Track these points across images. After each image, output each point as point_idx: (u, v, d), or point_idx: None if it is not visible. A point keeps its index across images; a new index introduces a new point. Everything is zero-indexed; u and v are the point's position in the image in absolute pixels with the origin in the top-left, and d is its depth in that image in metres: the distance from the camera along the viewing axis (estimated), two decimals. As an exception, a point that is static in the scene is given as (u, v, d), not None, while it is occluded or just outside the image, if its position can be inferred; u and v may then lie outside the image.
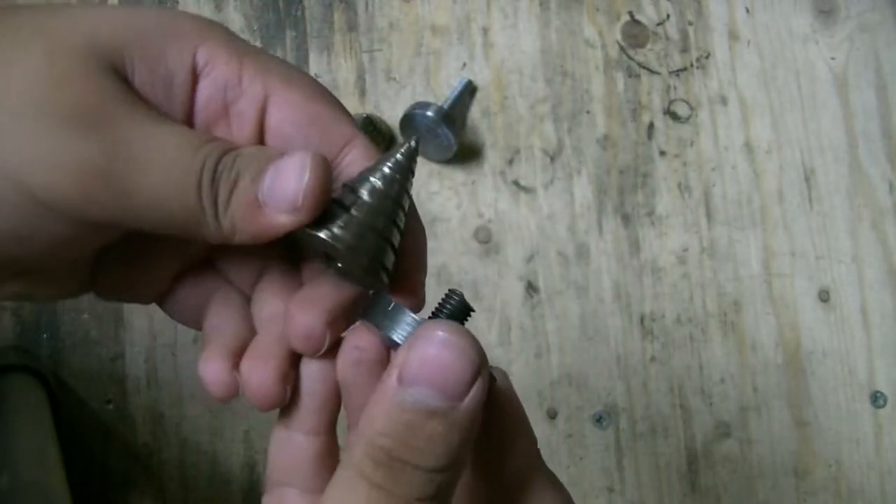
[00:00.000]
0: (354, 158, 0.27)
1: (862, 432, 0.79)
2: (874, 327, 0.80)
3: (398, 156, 0.26)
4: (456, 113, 0.77)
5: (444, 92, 0.79)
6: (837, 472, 0.78)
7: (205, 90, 0.26)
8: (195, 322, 0.30)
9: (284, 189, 0.25)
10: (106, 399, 0.72)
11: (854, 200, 0.82)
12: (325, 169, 0.25)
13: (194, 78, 0.26)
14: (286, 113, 0.27)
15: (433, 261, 0.77)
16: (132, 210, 0.24)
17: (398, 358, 0.23)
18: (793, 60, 0.84)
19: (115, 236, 0.27)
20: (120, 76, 0.25)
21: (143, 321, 0.74)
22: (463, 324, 0.26)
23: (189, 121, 0.27)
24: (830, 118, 0.83)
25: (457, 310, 0.26)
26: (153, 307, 0.30)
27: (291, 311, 0.27)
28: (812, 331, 0.80)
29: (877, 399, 0.79)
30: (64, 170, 0.23)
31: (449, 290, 0.26)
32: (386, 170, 0.26)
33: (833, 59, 0.85)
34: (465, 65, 0.81)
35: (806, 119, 0.83)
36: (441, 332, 0.23)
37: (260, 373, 0.26)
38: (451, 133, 0.73)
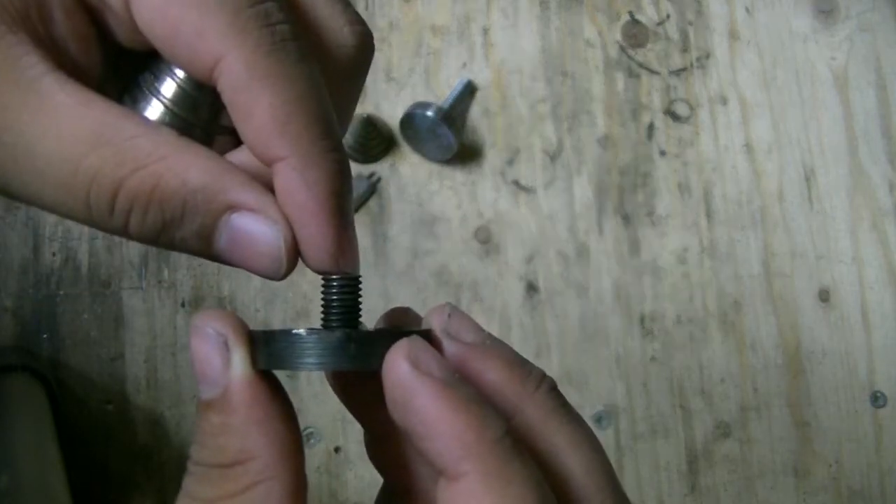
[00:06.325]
0: (228, 82, 0.22)
1: (862, 432, 0.79)
2: (874, 327, 0.80)
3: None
4: (456, 113, 0.77)
5: (444, 92, 0.79)
6: (837, 472, 0.78)
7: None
8: None
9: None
10: (106, 399, 0.72)
11: (854, 200, 0.82)
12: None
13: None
14: (145, 19, 0.22)
15: (433, 261, 0.77)
16: None
17: None
18: (793, 60, 0.84)
19: None
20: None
21: (143, 321, 0.74)
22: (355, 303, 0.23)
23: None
24: (830, 118, 0.83)
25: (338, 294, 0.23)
26: (153, 308, 0.29)
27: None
28: (812, 331, 0.80)
29: (877, 399, 0.79)
30: None
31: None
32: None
33: (833, 59, 0.85)
34: (465, 65, 0.81)
35: (806, 119, 0.83)
36: (193, 322, 0.21)
37: None
38: (451, 133, 0.73)
